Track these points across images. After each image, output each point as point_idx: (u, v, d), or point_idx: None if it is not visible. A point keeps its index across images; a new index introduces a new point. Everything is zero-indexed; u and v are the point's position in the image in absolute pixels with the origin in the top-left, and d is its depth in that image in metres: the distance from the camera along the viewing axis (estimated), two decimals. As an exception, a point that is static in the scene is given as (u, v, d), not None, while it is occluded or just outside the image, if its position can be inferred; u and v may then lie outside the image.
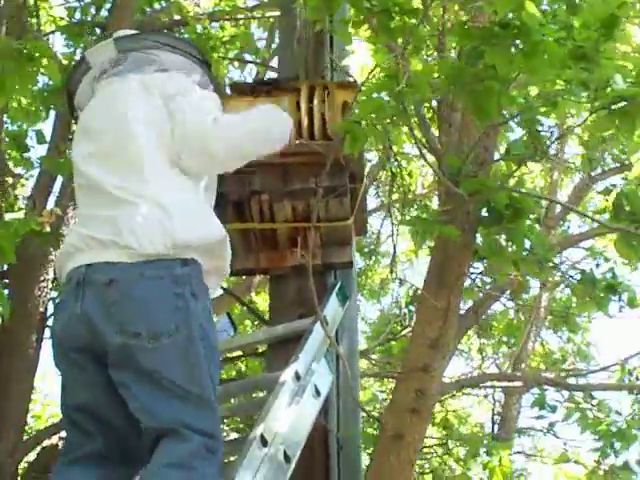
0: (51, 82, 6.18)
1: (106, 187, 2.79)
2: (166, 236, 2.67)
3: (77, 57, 6.51)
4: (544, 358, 9.39)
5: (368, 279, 9.94)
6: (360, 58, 4.60)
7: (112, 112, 2.98)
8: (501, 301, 5.35)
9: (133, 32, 3.29)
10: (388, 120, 3.26)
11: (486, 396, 8.77)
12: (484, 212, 3.68)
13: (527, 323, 7.42)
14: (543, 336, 8.99)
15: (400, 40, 3.25)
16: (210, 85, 3.24)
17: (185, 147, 2.87)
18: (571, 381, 7.14)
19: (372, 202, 9.92)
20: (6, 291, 5.91)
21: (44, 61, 3.50)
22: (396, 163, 5.37)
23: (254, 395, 4.79)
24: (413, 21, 3.17)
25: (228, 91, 4.19)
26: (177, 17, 7.96)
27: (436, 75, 3.37)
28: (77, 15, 7.55)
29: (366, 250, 9.52)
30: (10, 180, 6.84)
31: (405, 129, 4.70)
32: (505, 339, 8.53)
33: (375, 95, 3.18)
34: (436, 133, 4.52)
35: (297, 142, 3.71)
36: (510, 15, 3.09)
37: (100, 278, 2.66)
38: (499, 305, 6.31)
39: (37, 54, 3.45)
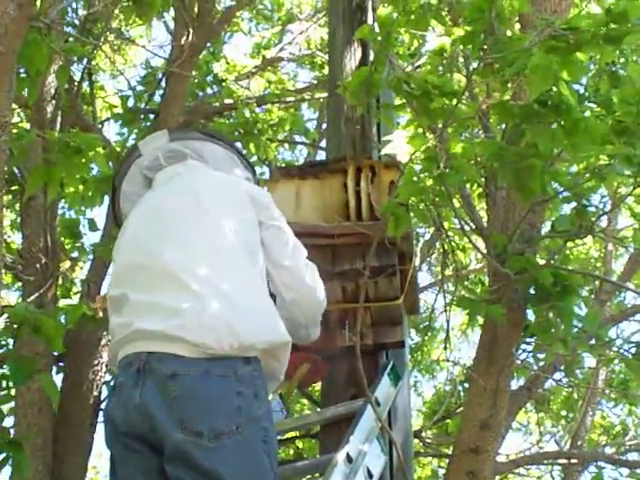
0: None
1: (177, 273, 2.76)
2: (232, 337, 2.64)
3: (130, 144, 6.68)
4: (605, 431, 9.20)
5: (424, 355, 9.85)
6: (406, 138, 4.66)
7: (189, 198, 3.00)
8: (554, 378, 5.26)
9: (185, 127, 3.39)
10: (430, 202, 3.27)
11: (539, 478, 8.57)
12: (532, 290, 3.65)
13: (583, 398, 7.29)
14: (603, 409, 8.84)
15: (440, 122, 3.28)
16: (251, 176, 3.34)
17: (295, 302, 3.02)
18: (632, 456, 6.98)
19: (426, 278, 9.92)
20: (61, 375, 5.98)
21: (91, 153, 3.58)
22: (448, 239, 5.36)
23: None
24: (453, 102, 3.20)
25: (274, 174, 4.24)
26: (228, 101, 8.13)
27: (478, 155, 3.38)
28: (130, 102, 7.77)
29: (421, 326, 9.46)
30: (67, 264, 6.96)
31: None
32: (564, 412, 8.39)
33: (416, 178, 3.20)
34: (484, 210, 4.52)
35: (345, 223, 3.75)
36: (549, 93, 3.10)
37: (162, 369, 2.63)
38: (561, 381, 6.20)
39: (84, 146, 3.54)
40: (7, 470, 3.63)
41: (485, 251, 3.66)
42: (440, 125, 3.21)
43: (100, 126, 8.02)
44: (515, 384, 5.95)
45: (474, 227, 3.64)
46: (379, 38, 3.61)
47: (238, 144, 3.37)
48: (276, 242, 3.02)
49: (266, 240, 3.00)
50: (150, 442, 2.64)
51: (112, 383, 2.89)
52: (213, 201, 2.98)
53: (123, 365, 2.75)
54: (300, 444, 8.34)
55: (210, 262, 2.80)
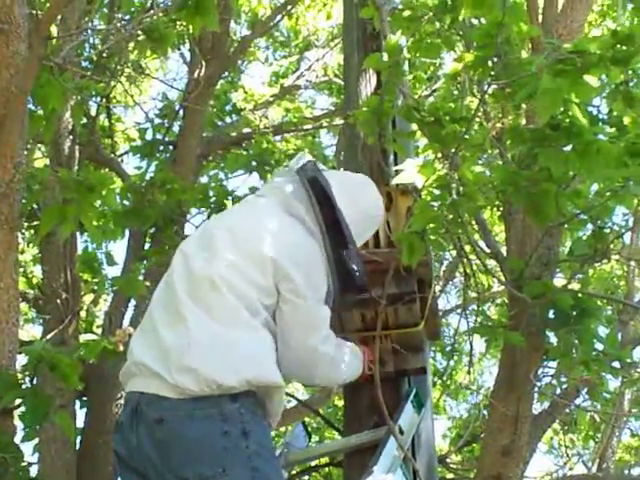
0: (126, 202, 6.36)
1: (183, 306, 2.79)
2: (211, 379, 2.63)
3: (148, 176, 6.71)
4: (634, 451, 9.10)
5: (452, 378, 9.80)
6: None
7: (227, 236, 2.99)
8: (576, 404, 5.20)
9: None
10: (444, 230, 3.25)
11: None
12: (551, 314, 3.61)
13: (609, 420, 7.21)
14: (632, 428, 8.74)
15: (452, 148, 3.26)
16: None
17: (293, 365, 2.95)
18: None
19: (452, 301, 9.88)
20: (84, 409, 6.00)
21: (104, 192, 3.59)
22: (469, 262, 5.33)
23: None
24: (464, 128, 3.18)
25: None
26: (246, 130, 8.16)
27: (491, 180, 3.36)
28: (148, 135, 7.81)
29: (447, 350, 9.41)
30: (90, 298, 6.99)
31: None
32: (592, 433, 8.31)
33: (430, 206, 3.18)
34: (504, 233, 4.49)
35: (363, 252, 3.73)
36: (561, 116, 3.08)
37: (151, 414, 2.66)
38: (583, 405, 6.14)
39: (97, 184, 3.55)
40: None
41: (502, 276, 3.63)
42: (452, 151, 3.19)
43: (119, 160, 8.08)
44: (538, 407, 5.89)
45: (489, 252, 3.62)
46: (389, 66, 3.60)
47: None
48: (288, 319, 2.92)
49: (281, 313, 2.91)
50: (148, 478, 2.67)
51: (117, 420, 2.90)
52: (236, 248, 2.92)
53: (125, 402, 2.82)
54: (334, 471, 8.31)
55: (207, 302, 2.79)
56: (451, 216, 3.09)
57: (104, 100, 6.84)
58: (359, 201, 3.24)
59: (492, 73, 3.37)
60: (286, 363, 2.93)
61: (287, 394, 7.31)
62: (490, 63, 3.43)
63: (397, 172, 4.18)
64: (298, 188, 3.11)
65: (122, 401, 5.94)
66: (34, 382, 3.39)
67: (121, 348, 5.09)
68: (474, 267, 4.31)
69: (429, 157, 3.41)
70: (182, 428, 2.61)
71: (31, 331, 9.50)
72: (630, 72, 3.25)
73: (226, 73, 8.62)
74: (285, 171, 3.28)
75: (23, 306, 8.74)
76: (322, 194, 3.10)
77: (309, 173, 3.14)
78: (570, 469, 8.67)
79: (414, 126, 3.76)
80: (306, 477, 7.26)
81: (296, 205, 3.07)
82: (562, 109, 3.01)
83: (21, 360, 3.64)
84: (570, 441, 9.01)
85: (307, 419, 8.26)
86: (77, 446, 5.85)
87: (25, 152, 3.47)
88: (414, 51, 4.24)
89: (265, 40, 10.57)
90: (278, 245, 2.92)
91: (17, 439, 3.39)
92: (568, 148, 3.11)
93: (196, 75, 6.89)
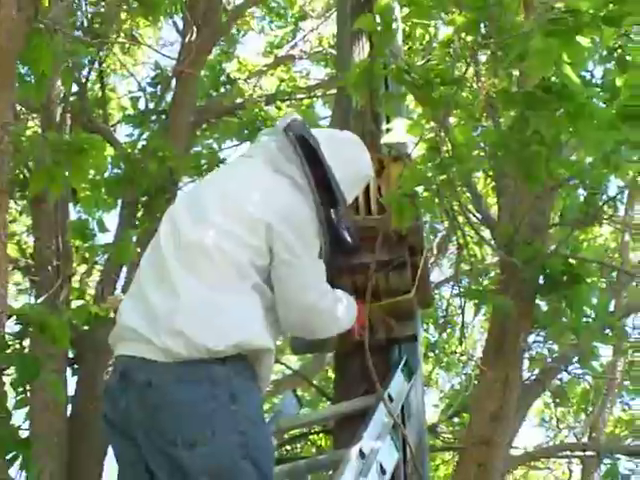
0: (118, 171, 6.35)
1: (171, 271, 2.76)
2: (200, 343, 2.61)
3: (140, 145, 6.69)
4: (626, 425, 9.10)
5: (445, 351, 9.80)
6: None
7: (216, 195, 2.97)
8: (568, 370, 5.20)
9: None
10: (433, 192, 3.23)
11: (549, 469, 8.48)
12: (541, 280, 3.60)
13: (601, 390, 7.22)
14: (624, 401, 8.74)
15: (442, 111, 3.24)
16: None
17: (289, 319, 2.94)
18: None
19: (446, 273, 9.86)
20: (75, 377, 6.00)
21: (94, 152, 3.57)
22: (462, 233, 5.32)
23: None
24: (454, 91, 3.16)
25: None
26: (239, 100, 8.13)
27: (482, 143, 3.34)
28: (141, 103, 7.78)
29: (440, 322, 9.41)
30: (83, 268, 6.97)
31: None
32: (583, 406, 8.31)
33: (420, 167, 3.16)
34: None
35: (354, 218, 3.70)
36: (553, 78, 3.05)
37: (140, 377, 2.63)
38: (574, 372, 6.14)
39: (87, 146, 3.53)
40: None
41: (493, 242, 3.63)
42: (441, 113, 3.17)
43: (112, 129, 8.04)
44: (528, 376, 5.88)
45: (480, 217, 3.60)
46: (379, 28, 3.57)
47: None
48: (286, 279, 2.89)
49: (277, 274, 2.90)
50: (137, 441, 2.66)
51: (106, 382, 2.89)
52: (226, 210, 2.88)
53: (113, 367, 2.81)
54: (323, 441, 8.34)
55: (197, 266, 2.76)
56: (441, 178, 3.07)
57: (96, 65, 6.79)
58: (347, 159, 3.20)
59: (484, 36, 3.34)
60: (288, 322, 2.95)
61: (281, 363, 7.33)
62: (482, 26, 3.40)
63: (388, 131, 4.15)
64: (286, 146, 3.09)
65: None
66: (23, 344, 3.37)
67: (113, 315, 5.09)
68: (467, 239, 4.30)
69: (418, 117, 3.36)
70: (171, 391, 2.59)
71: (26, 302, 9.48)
72: (624, 36, 3.23)
73: (220, 43, 8.59)
74: (271, 130, 3.25)
75: (17, 276, 8.74)
76: (311, 152, 3.07)
77: (297, 131, 3.11)
78: (561, 441, 8.67)
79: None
80: (296, 444, 7.27)
81: (284, 163, 3.04)
82: (554, 71, 2.98)
83: (13, 328, 3.63)
84: (562, 414, 9.01)
85: (300, 392, 8.26)
86: (68, 413, 5.85)
87: (13, 114, 3.43)
88: (408, 18, 4.20)
89: (260, 10, 10.51)
90: (269, 206, 2.89)
91: (9, 406, 3.38)
92: (560, 112, 3.09)
93: (188, 42, 6.83)
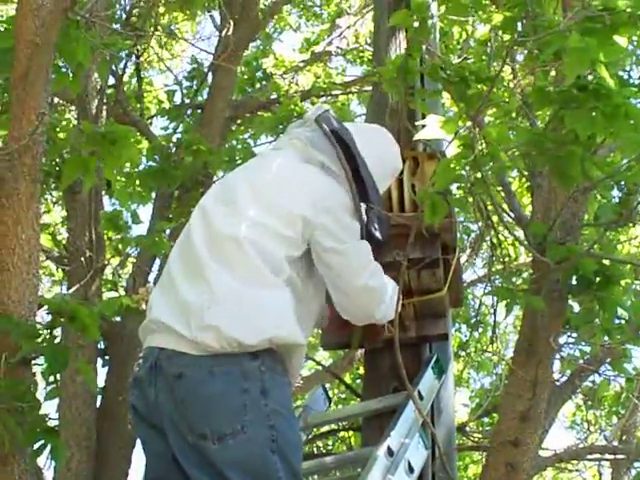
0: (153, 164, 6.39)
1: (203, 263, 2.77)
2: (233, 336, 2.61)
3: (175, 139, 6.71)
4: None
5: (476, 351, 9.76)
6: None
7: (246, 188, 2.99)
8: (599, 371, 5.15)
9: None
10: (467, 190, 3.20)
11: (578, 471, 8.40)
12: (573, 280, 3.56)
13: (633, 393, 7.14)
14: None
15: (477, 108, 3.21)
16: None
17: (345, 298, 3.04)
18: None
19: (479, 272, 9.81)
20: (106, 368, 6.04)
21: (127, 143, 3.58)
22: (496, 232, 5.28)
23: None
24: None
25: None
26: (275, 96, 8.14)
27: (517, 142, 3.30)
28: (177, 97, 7.82)
29: (472, 321, 9.37)
30: (116, 261, 7.02)
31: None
32: (615, 409, 8.25)
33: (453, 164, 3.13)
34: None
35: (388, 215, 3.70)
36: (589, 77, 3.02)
37: (170, 369, 2.65)
38: (606, 374, 6.08)
39: (119, 137, 3.54)
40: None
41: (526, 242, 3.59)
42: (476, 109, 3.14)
43: (149, 122, 8.08)
44: (559, 377, 5.84)
45: (513, 216, 3.57)
46: (415, 25, 3.56)
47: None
48: (335, 266, 2.96)
49: (325, 263, 2.95)
50: (164, 432, 2.67)
51: (134, 375, 2.90)
52: (258, 203, 2.89)
53: (143, 358, 2.80)
54: (352, 439, 8.33)
55: (230, 259, 2.76)
56: (474, 176, 3.04)
57: (133, 58, 6.84)
58: (378, 153, 3.23)
59: (520, 34, 3.32)
60: (345, 309, 3.09)
61: (312, 359, 7.33)
62: (519, 24, 3.38)
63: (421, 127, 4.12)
64: (319, 138, 3.09)
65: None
66: (54, 334, 3.39)
67: (144, 306, 5.11)
68: (501, 238, 4.27)
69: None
70: (201, 384, 2.60)
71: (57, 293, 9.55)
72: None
73: (257, 39, 8.60)
74: (301, 122, 3.25)
75: (51, 267, 8.81)
76: (344, 145, 3.09)
77: (329, 124, 3.11)
78: (591, 444, 8.60)
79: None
80: (325, 440, 7.27)
81: (317, 154, 3.05)
82: (590, 70, 2.95)
83: (44, 318, 3.66)
84: (593, 417, 8.94)
85: (330, 391, 8.26)
86: (97, 404, 5.89)
87: (48, 105, 3.45)
88: (445, 16, 4.18)
89: (297, 8, 10.52)
90: (303, 196, 2.92)
91: (39, 396, 3.39)
92: (596, 111, 3.05)
93: (225, 37, 6.85)
